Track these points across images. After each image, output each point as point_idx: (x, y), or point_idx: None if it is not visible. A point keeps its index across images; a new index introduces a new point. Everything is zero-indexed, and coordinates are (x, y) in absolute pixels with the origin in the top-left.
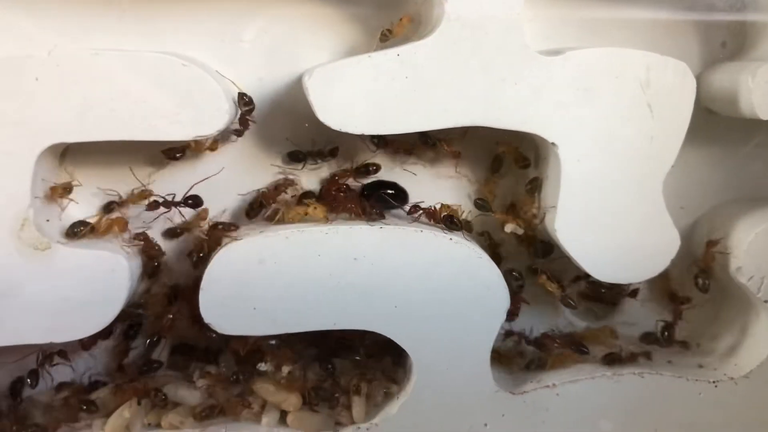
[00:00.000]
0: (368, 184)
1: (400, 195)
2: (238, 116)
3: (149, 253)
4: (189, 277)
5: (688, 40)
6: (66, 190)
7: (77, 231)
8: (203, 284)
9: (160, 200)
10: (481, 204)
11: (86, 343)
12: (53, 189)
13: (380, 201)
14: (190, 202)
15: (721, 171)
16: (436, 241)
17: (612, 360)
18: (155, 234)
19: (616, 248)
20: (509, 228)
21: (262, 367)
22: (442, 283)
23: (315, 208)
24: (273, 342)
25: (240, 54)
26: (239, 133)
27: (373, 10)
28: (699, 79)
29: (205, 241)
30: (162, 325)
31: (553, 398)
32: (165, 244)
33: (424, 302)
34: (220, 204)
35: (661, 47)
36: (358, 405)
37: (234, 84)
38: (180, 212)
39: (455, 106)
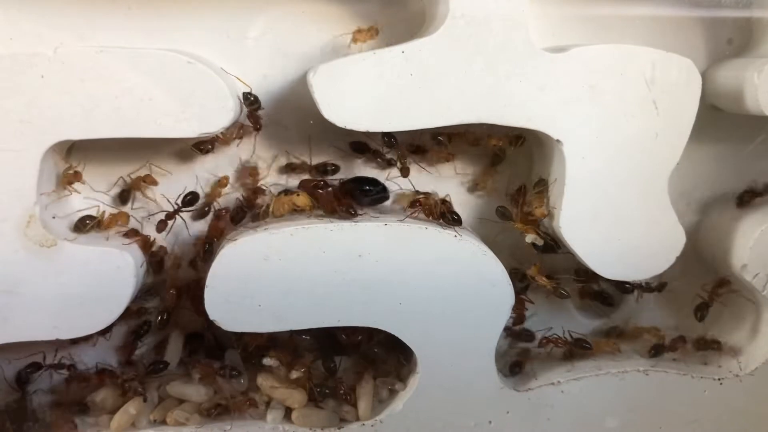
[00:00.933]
0: (347, 180)
1: (380, 191)
2: (246, 114)
3: (146, 247)
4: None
5: (694, 37)
6: (75, 177)
7: (87, 223)
8: (208, 281)
9: (164, 216)
10: (502, 212)
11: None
12: (66, 175)
13: (360, 197)
14: (188, 198)
15: (726, 168)
16: (440, 238)
17: (658, 351)
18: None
19: (621, 246)
20: (530, 239)
21: (267, 361)
22: (447, 280)
23: (299, 194)
24: (306, 337)
25: (245, 51)
26: (257, 128)
27: (378, 7)
28: (704, 75)
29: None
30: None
31: (557, 395)
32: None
33: (428, 299)
34: (224, 202)
35: (667, 44)
36: (363, 401)
37: (241, 81)
38: (182, 218)
39: (460, 104)
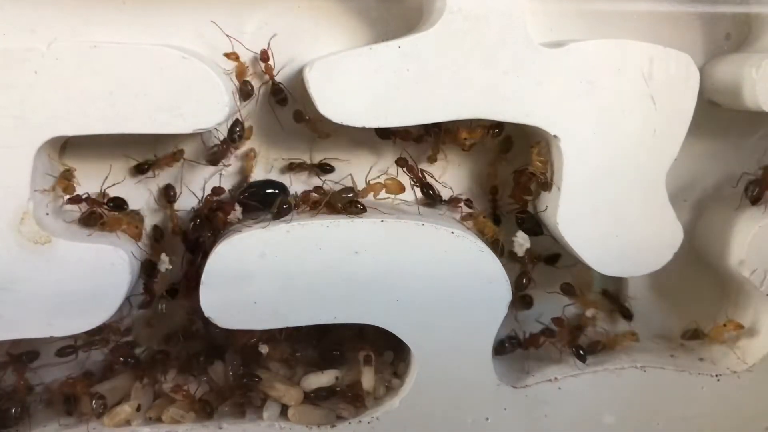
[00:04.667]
0: (246, 187)
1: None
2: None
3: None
4: None
5: (692, 32)
6: (71, 186)
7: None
8: (204, 278)
9: (84, 196)
10: (566, 289)
11: None
12: (66, 174)
13: (266, 202)
14: (111, 204)
15: (724, 164)
16: (437, 234)
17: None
18: None
19: (619, 242)
20: (590, 313)
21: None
22: (444, 277)
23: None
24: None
25: (241, 46)
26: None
27: (374, 2)
28: (702, 71)
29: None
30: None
31: (554, 392)
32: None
33: (425, 296)
34: None
35: (665, 39)
36: (368, 375)
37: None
38: (103, 213)
39: (457, 99)
